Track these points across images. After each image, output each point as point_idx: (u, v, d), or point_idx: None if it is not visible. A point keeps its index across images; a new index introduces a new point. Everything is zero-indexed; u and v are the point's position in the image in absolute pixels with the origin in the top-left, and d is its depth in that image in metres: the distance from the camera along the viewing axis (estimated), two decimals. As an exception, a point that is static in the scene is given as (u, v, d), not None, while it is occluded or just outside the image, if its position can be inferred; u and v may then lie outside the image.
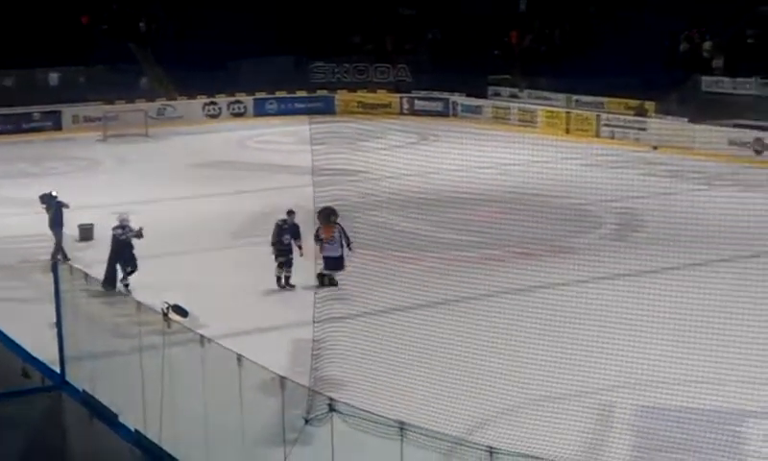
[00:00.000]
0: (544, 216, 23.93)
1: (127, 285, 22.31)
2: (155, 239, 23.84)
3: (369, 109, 51.19)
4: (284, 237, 22.93)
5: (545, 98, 48.82)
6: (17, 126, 47.70)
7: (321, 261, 22.45)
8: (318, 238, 22.59)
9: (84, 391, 15.35)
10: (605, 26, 49.90)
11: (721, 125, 39.81)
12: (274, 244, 23.03)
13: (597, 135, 44.47)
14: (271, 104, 53.07)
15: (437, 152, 31.48)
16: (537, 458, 10.53)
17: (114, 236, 22.69)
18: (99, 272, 21.32)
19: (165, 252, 23.86)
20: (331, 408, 11.76)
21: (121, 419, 14.66)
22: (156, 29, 54.81)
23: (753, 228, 21.72)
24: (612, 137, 43.70)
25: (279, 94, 53.06)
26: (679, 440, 13.87)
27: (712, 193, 30.26)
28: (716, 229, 22.20)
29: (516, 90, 50.70)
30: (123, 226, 22.71)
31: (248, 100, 52.93)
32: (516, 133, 42.76)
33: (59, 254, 24.08)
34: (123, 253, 22.50)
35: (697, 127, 39.62)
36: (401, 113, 51.89)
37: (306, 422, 12.18)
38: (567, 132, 45.39)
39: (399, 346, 17.14)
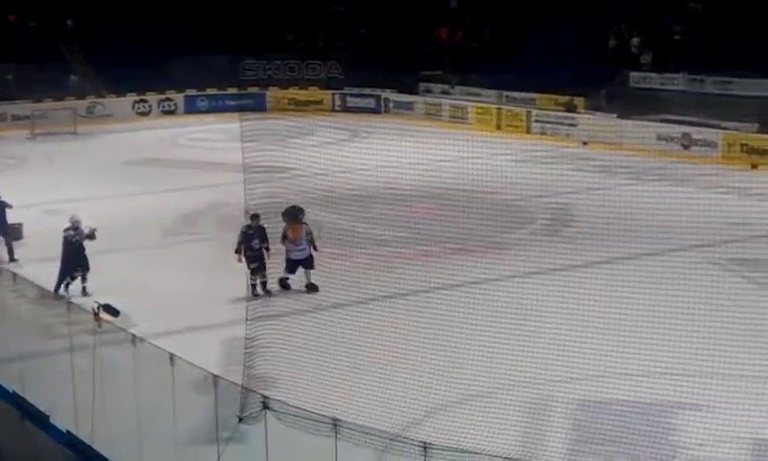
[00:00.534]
0: (477, 212, 24.04)
1: (84, 288, 21.79)
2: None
3: (300, 106, 51.04)
4: (253, 243, 21.81)
5: (476, 94, 49.00)
6: (-55, 124, 46.97)
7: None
8: (285, 238, 22.01)
9: (13, 392, 15.16)
10: (535, 22, 50.22)
11: (649, 120, 40.24)
12: (240, 252, 21.89)
13: (528, 131, 44.73)
14: (202, 101, 52.72)
15: (369, 148, 31.38)
16: (471, 453, 10.57)
17: (65, 238, 22.04)
18: (30, 272, 20.96)
19: (96, 250, 23.50)
20: (265, 406, 11.72)
21: (52, 420, 14.51)
22: (84, 26, 54.15)
23: (682, 222, 21.98)
24: (543, 133, 44.00)
25: (210, 91, 52.70)
26: (612, 432, 14.01)
27: (641, 188, 30.59)
28: (646, 223, 22.49)
29: (447, 87, 50.84)
30: (75, 227, 22.06)
31: (178, 97, 52.51)
32: (447, 129, 42.89)
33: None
34: (75, 255, 21.93)
35: (626, 122, 39.98)
36: (333, 110, 51.81)
37: (240, 420, 12.12)
38: (499, 128, 45.61)
39: (334, 343, 17.14)
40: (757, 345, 16.61)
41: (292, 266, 21.98)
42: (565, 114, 43.90)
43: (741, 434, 13.86)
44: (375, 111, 50.91)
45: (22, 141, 44.59)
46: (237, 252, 21.88)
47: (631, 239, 23.06)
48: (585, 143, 40.44)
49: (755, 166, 35.61)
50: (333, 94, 52.77)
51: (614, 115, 41.46)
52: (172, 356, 12.67)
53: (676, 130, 39.22)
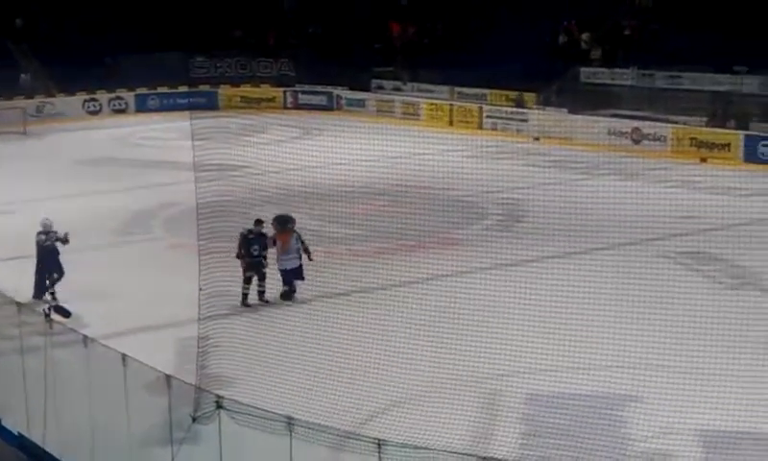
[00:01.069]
0: (431, 208, 24.13)
1: (53, 294, 21.08)
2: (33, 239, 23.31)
3: (252, 104, 50.97)
4: (252, 248, 20.89)
5: (428, 91, 49.15)
6: None
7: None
8: (273, 245, 21.24)
9: (-37, 395, 15.01)
10: (486, 18, 50.42)
11: (600, 115, 40.60)
12: (241, 257, 20.87)
13: (480, 127, 44.94)
14: (153, 100, 52.47)
15: (322, 146, 31.34)
16: (424, 449, 10.62)
17: (37, 243, 21.42)
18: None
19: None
20: (219, 405, 11.70)
21: (4, 422, 14.38)
22: (33, 25, 53.66)
23: (633, 216, 22.19)
24: (495, 129, 44.21)
25: (161, 90, 52.48)
26: (561, 425, 14.12)
27: (593, 182, 30.81)
28: (597, 217, 22.64)
29: (399, 83, 50.95)
30: (47, 231, 21.41)
31: (129, 96, 52.26)
32: (400, 125, 42.95)
33: None
34: (48, 260, 21.33)
35: (577, 117, 40.29)
36: (285, 108, 51.79)
37: (194, 420, 12.09)
38: (451, 124, 45.77)
39: (288, 341, 17.13)
40: (705, 338, 16.76)
41: (286, 278, 21.04)
42: (517, 110, 44.13)
43: (688, 426, 14.02)
44: (327, 109, 50.91)
45: (-30, 142, 44.14)
46: (238, 257, 20.83)
47: (582, 234, 23.23)
48: (536, 138, 40.65)
49: (704, 160, 35.97)
50: (285, 92, 52.70)
51: (565, 110, 41.75)
52: (124, 357, 12.61)
53: (626, 124, 39.57)
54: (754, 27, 39.83)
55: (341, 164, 28.10)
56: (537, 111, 43.12)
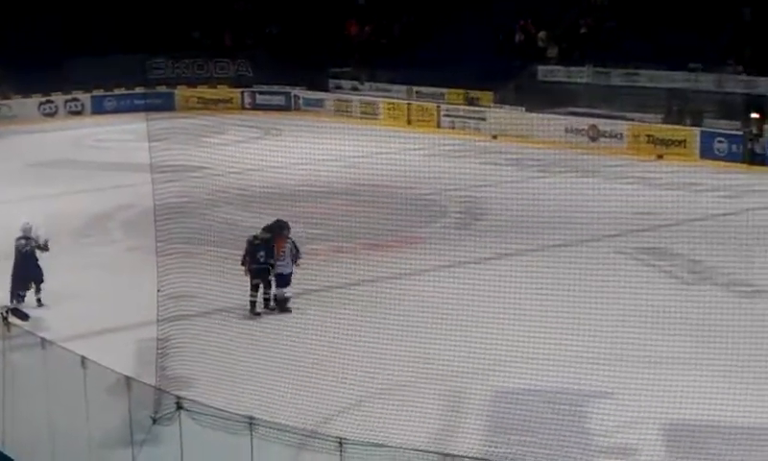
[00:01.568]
0: (391, 207, 24.15)
1: (39, 299, 20.95)
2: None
3: (210, 105, 50.75)
4: (258, 255, 20.34)
5: (386, 90, 49.16)
6: None
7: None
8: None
9: None
10: (443, 17, 50.47)
11: (557, 113, 40.77)
12: (246, 264, 20.40)
13: (438, 126, 45.01)
14: (109, 101, 52.13)
15: (281, 146, 31.33)
16: (386, 447, 10.62)
17: (16, 248, 21.05)
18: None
19: (2, 254, 23.12)
20: (179, 406, 11.64)
21: (-39, 426, 14.23)
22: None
23: (590, 213, 22.31)
24: (453, 127, 44.30)
25: (118, 91, 52.13)
26: (525, 421, 14.17)
27: (550, 180, 31.01)
28: (556, 214, 22.79)
29: (357, 83, 50.94)
30: (27, 237, 21.05)
31: (85, 98, 51.87)
32: (358, 125, 42.95)
33: None
34: (27, 265, 20.98)
35: (534, 115, 40.43)
36: (243, 108, 51.63)
37: (154, 421, 12.02)
38: (409, 123, 45.81)
39: (249, 342, 17.09)
40: (665, 331, 16.93)
41: (279, 282, 20.51)
42: (474, 109, 44.26)
43: (651, 418, 14.12)
44: (285, 109, 50.79)
45: (-76, 145, 43.66)
46: (243, 264, 20.43)
47: (541, 230, 23.35)
48: (494, 137, 40.75)
49: (660, 157, 36.25)
50: (243, 92, 52.55)
51: (523, 109, 41.89)
52: (83, 359, 12.53)
53: (583, 122, 39.76)
54: (708, 24, 40.21)
55: (301, 164, 28.08)
56: (494, 110, 43.25)
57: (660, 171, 32.42)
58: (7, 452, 13.36)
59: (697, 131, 36.74)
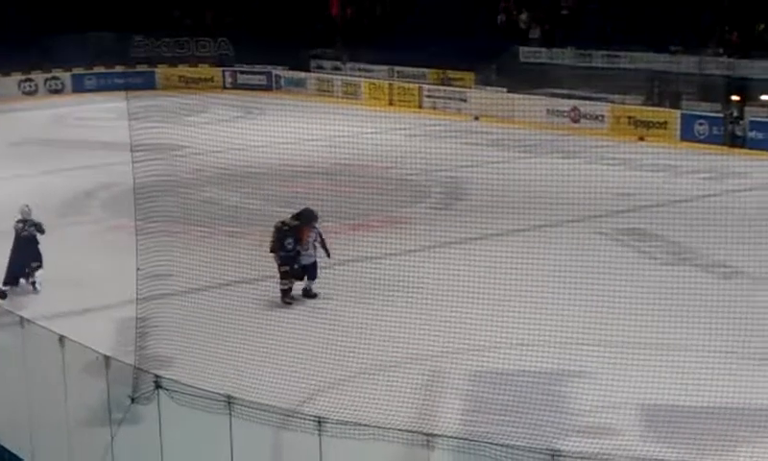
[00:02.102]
0: (373, 187, 24.13)
1: (34, 284, 20.70)
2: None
3: (191, 84, 50.59)
4: (287, 242, 19.66)
5: (368, 70, 49.08)
6: None
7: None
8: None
9: None
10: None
11: (539, 94, 40.78)
12: (274, 251, 19.79)
13: (420, 107, 44.97)
14: (90, 80, 51.87)
15: (262, 125, 31.21)
16: (365, 425, 10.62)
17: (16, 231, 20.74)
18: None
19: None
20: (157, 386, 11.62)
21: (-61, 406, 14.17)
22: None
23: (572, 194, 22.33)
24: (435, 108, 44.28)
25: (98, 70, 51.91)
26: (505, 402, 14.20)
27: (532, 161, 31.02)
28: (537, 195, 22.79)
29: (338, 63, 50.82)
30: (25, 219, 20.75)
31: (65, 76, 51.61)
32: (340, 105, 42.84)
33: None
34: (26, 249, 20.70)
35: (516, 97, 40.41)
36: (224, 87, 51.44)
37: (133, 400, 11.99)
38: (391, 103, 45.73)
39: (228, 321, 17.06)
40: (644, 313, 16.97)
41: (299, 272, 19.91)
42: (456, 89, 44.23)
43: (629, 400, 14.17)
44: (267, 88, 50.66)
45: None
46: (272, 251, 19.83)
47: (522, 212, 23.32)
48: (476, 118, 40.75)
49: (641, 138, 36.29)
50: (224, 71, 52.39)
51: (505, 90, 41.85)
52: (62, 338, 12.48)
53: (565, 103, 39.79)
54: (689, 7, 40.27)
55: (282, 144, 27.99)
56: (476, 91, 43.24)
57: (640, 153, 32.48)
58: (-16, 431, 13.33)
59: (678, 113, 36.80)
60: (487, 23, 47.91)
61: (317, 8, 53.41)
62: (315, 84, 49.75)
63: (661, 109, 37.85)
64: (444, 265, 18.24)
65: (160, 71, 51.89)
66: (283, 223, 19.97)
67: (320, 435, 10.50)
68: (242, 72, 51.99)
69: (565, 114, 39.44)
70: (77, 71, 51.63)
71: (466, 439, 11.24)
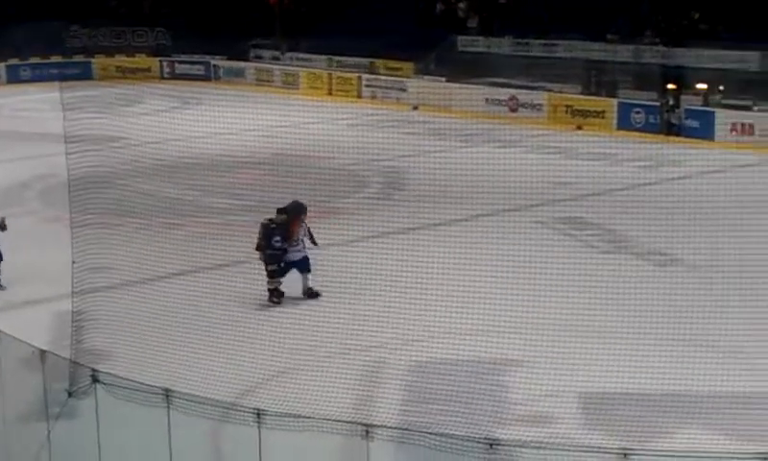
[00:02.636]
0: (313, 178, 24.04)
1: None
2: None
3: (128, 74, 50.19)
4: (274, 240, 18.97)
5: (307, 60, 48.99)
6: None
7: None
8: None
9: None
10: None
11: (477, 84, 40.95)
12: (261, 249, 19.10)
13: (359, 96, 44.98)
14: (24, 70, 51.26)
15: (201, 116, 31.07)
16: (304, 417, 10.62)
17: None
18: None
19: None
20: (94, 379, 11.52)
21: None
22: None
23: (511, 183, 22.44)
24: (375, 98, 44.30)
25: (34, 60, 51.26)
26: (443, 392, 14.25)
27: (471, 150, 31.11)
28: (476, 185, 22.87)
29: (277, 53, 50.66)
30: None
31: (0, 67, 50.91)
32: (279, 95, 42.74)
33: None
34: None
35: (455, 86, 40.56)
36: (162, 78, 51.12)
37: (69, 395, 11.89)
38: (330, 93, 45.71)
39: (167, 314, 16.93)
40: (582, 301, 17.10)
41: (285, 270, 19.20)
42: (396, 79, 44.29)
43: (567, 388, 14.28)
44: (205, 78, 50.41)
45: None
46: (258, 249, 19.16)
47: (461, 201, 23.47)
48: (415, 107, 40.84)
49: (579, 127, 36.59)
50: (161, 61, 52.03)
51: (443, 79, 42.00)
52: (-4, 333, 12.35)
53: (503, 92, 39.99)
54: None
55: (221, 134, 27.87)
56: (415, 80, 43.33)
57: (578, 141, 32.74)
58: None
59: (615, 102, 37.15)
60: (425, 12, 47.97)
61: (255, -3, 53.20)
62: (254, 73, 49.57)
63: (599, 98, 38.20)
64: (383, 255, 18.23)
65: (97, 61, 51.40)
66: (270, 220, 19.24)
67: (259, 427, 10.48)
68: (180, 62, 51.65)
69: (504, 103, 39.64)
70: (12, 62, 50.99)
71: (404, 429, 11.28)
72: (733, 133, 33.35)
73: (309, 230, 19.41)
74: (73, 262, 15.51)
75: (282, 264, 19.02)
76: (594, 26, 40.34)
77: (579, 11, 40.55)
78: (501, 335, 15.73)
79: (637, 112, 35.95)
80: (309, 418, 10.67)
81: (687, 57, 38.44)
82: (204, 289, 18.81)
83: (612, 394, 14.22)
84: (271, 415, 10.53)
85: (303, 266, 19.18)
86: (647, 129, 35.17)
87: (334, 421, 10.65)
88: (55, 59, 50.91)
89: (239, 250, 20.40)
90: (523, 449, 10.36)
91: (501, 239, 19.84)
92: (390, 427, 11.09)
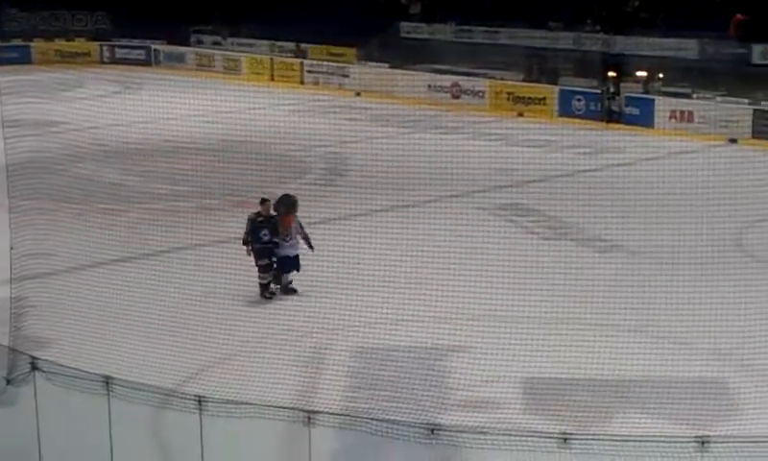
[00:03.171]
0: (255, 164, 23.92)
1: None
2: None
3: (68, 59, 49.57)
4: (262, 234, 18.30)
5: (249, 45, 48.75)
6: None
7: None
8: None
9: None
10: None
11: (420, 70, 41.00)
12: (248, 243, 18.33)
13: (302, 82, 44.87)
14: (-39, 55, 50.46)
15: (141, 101, 30.81)
16: (246, 403, 10.60)
17: None
18: None
19: None
20: (34, 367, 11.40)
21: None
22: None
23: (453, 169, 22.52)
24: (317, 84, 44.21)
25: (-30, 45, 50.55)
26: (388, 378, 14.27)
27: (414, 136, 31.13)
28: (419, 171, 22.92)
29: (219, 38, 50.36)
30: None
31: (-65, 52, 50.12)
32: (221, 80, 42.50)
33: None
34: None
35: (397, 72, 40.58)
36: (102, 62, 50.65)
37: (8, 382, 11.75)
38: (272, 79, 45.52)
39: (107, 301, 16.79)
40: (524, 287, 17.19)
41: (284, 266, 18.49)
42: (338, 65, 44.21)
43: (509, 374, 14.35)
44: (146, 63, 50.00)
45: None
46: (245, 243, 18.37)
47: (404, 188, 23.49)
48: (358, 93, 40.81)
49: (520, 114, 36.76)
50: (101, 46, 51.53)
51: (386, 66, 42.00)
52: (-68, 321, 12.17)
53: (446, 79, 40.06)
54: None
55: (162, 120, 27.65)
56: (358, 67, 43.29)
57: (519, 128, 32.88)
58: None
59: (556, 89, 37.35)
60: (368, -2, 47.95)
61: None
62: (195, 59, 49.24)
63: (540, 85, 38.36)
64: (326, 242, 18.22)
65: (36, 45, 50.75)
66: (258, 214, 18.60)
67: (200, 414, 10.44)
68: (120, 46, 51.18)
69: (446, 90, 39.71)
70: (-53, 47, 50.21)
71: (346, 415, 11.29)
72: (673, 120, 33.67)
73: (304, 230, 18.65)
74: (11, 248, 15.32)
75: (274, 259, 18.43)
76: (536, 14, 40.53)
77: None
78: (444, 321, 15.79)
79: (578, 100, 36.18)
80: (251, 404, 10.64)
81: (628, 44, 38.75)
82: (146, 276, 18.67)
83: (553, 379, 14.33)
84: (212, 402, 10.49)
85: (294, 265, 18.48)
86: (588, 116, 35.42)
87: (276, 407, 10.63)
88: (-8, 43, 50.21)
89: (180, 236, 20.30)
90: (465, 434, 10.39)
91: (443, 226, 19.89)
92: (332, 413, 11.09)
